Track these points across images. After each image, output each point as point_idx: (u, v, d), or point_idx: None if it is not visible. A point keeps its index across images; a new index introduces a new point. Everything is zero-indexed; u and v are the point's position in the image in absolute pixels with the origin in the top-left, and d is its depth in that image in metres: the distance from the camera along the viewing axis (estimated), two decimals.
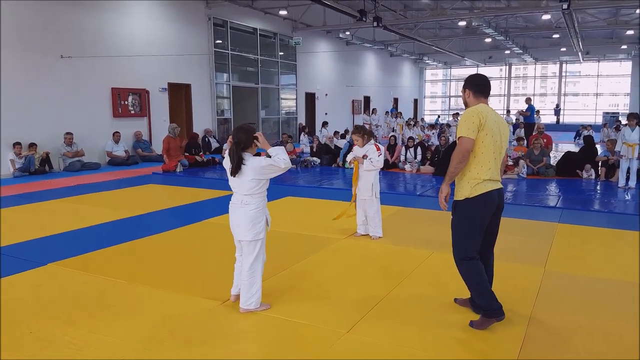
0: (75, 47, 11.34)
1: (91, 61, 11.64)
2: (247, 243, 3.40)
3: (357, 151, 5.53)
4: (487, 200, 3.18)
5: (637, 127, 8.70)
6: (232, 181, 3.41)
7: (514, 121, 21.02)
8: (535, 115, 17.32)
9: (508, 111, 25.97)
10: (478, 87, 3.30)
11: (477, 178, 3.16)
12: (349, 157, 5.63)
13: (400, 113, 21.48)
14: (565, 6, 13.71)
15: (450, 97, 35.07)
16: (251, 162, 3.32)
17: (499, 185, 3.26)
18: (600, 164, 9.92)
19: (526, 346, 3.00)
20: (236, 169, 3.31)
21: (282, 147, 3.41)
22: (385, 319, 3.43)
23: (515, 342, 3.04)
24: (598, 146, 11.47)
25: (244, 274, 3.43)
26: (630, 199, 7.90)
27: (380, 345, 3.05)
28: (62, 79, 11.19)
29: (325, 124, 17.61)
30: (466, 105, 3.33)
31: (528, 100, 16.51)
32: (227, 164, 3.41)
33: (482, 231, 3.23)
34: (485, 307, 3.19)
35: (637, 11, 17.67)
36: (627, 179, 8.86)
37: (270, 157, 3.33)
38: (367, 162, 5.38)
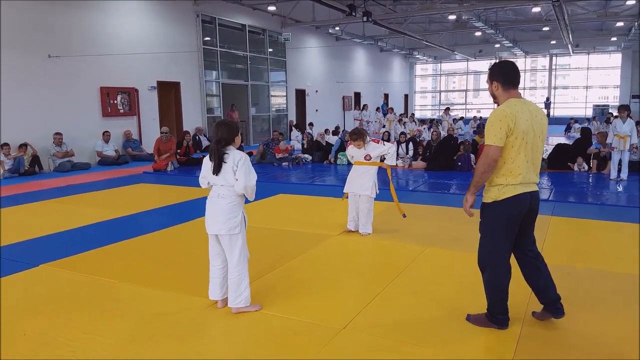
0: (63, 46, 11.19)
1: (79, 60, 11.51)
2: (226, 238, 3.34)
3: (355, 152, 5.45)
4: (517, 202, 2.93)
5: (628, 118, 8.74)
6: (208, 172, 3.38)
7: None
8: None
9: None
10: (507, 76, 2.98)
11: (505, 183, 2.93)
12: (352, 159, 5.55)
13: (392, 109, 21.46)
14: None
15: (440, 92, 35.10)
16: (233, 156, 3.29)
17: (534, 188, 3.00)
18: (592, 156, 9.95)
19: (522, 343, 2.98)
20: (217, 168, 3.29)
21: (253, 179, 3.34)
22: (380, 314, 3.40)
23: (511, 339, 3.01)
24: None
25: (231, 272, 3.38)
26: (623, 191, 7.94)
27: (376, 341, 3.02)
28: (50, 78, 11.04)
29: (311, 124, 17.53)
30: (494, 97, 3.04)
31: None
32: (206, 163, 3.40)
33: (511, 235, 3.00)
34: (493, 312, 3.09)
35: (627, 2, 17.75)
36: (619, 170, 8.90)
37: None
38: (390, 160, 5.43)
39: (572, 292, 3.74)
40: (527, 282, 3.21)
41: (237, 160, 3.29)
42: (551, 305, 3.14)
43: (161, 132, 11.35)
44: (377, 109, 23.82)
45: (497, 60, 3.13)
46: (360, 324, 3.24)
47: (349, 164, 5.87)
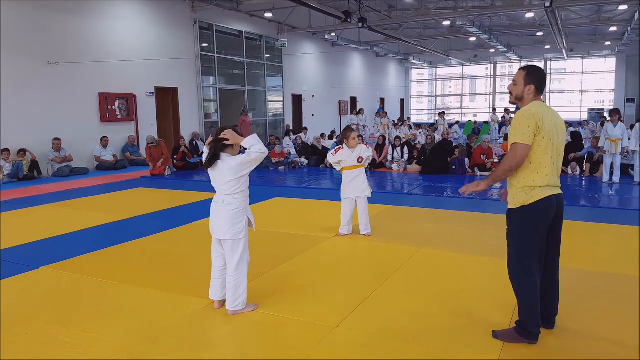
0: (61, 52, 11.30)
1: (78, 67, 11.62)
2: (229, 243, 3.41)
3: (346, 155, 5.46)
4: (546, 207, 2.89)
5: (620, 122, 8.88)
6: (214, 181, 3.44)
7: (500, 119, 21.27)
8: None
9: (494, 109, 26.20)
10: (542, 83, 2.98)
11: (532, 185, 2.88)
12: (338, 167, 5.55)
13: (386, 113, 21.59)
14: (548, 4, 13.92)
15: (436, 96, 35.30)
16: (229, 162, 3.35)
17: (558, 191, 2.97)
18: (585, 159, 10.06)
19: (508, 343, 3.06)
20: (210, 162, 3.36)
21: (254, 135, 3.40)
22: (374, 313, 3.50)
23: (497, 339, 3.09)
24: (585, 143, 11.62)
25: (230, 275, 3.44)
26: (615, 194, 8.06)
27: (369, 339, 3.12)
28: (49, 84, 11.15)
29: (305, 129, 17.64)
30: (519, 99, 3.02)
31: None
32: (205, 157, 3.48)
33: (541, 241, 2.94)
34: (525, 326, 2.97)
35: (620, 7, 17.97)
36: (611, 174, 9.03)
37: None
38: (366, 162, 5.50)
39: (564, 291, 3.85)
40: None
41: (235, 158, 3.34)
42: (545, 316, 3.12)
43: (148, 142, 11.27)
44: (377, 114, 23.94)
45: (531, 64, 3.09)
46: (352, 323, 3.34)
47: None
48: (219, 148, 3.37)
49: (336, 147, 5.66)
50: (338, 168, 5.61)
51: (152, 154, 11.10)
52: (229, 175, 3.34)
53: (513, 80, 3.05)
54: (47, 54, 11.05)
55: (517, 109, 3.09)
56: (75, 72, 11.61)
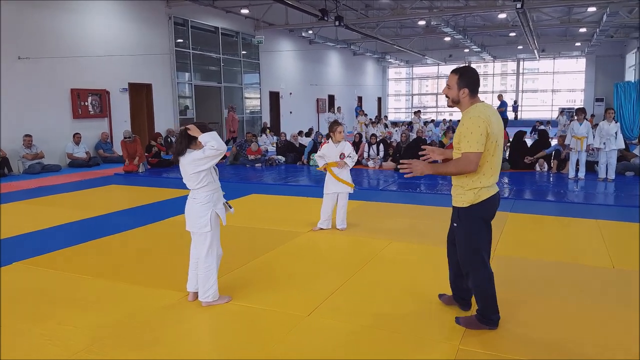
0: (33, 48, 11.11)
1: (49, 62, 11.43)
2: (196, 235, 3.55)
3: (330, 151, 5.55)
4: (493, 204, 3.05)
5: (585, 120, 9.18)
6: (184, 177, 3.52)
7: None
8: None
9: None
10: (475, 84, 3.01)
11: (479, 187, 2.99)
12: (322, 162, 5.60)
13: (362, 111, 21.78)
14: (519, 5, 14.23)
15: (412, 95, 35.69)
16: (188, 156, 3.41)
17: (498, 189, 3.10)
18: (552, 156, 10.38)
19: (469, 330, 3.20)
20: (176, 156, 3.47)
21: (214, 133, 3.41)
22: (344, 302, 3.61)
23: (460, 325, 3.21)
24: (553, 141, 11.94)
25: (200, 267, 3.53)
26: (579, 190, 8.34)
27: (339, 326, 3.23)
28: (20, 80, 10.94)
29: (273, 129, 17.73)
30: (456, 103, 3.04)
31: (500, 97, 17.02)
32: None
33: (488, 236, 3.11)
34: (486, 314, 3.10)
35: (589, 9, 18.48)
36: (577, 170, 9.33)
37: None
38: (349, 161, 5.56)
39: (521, 278, 4.02)
40: (450, 269, 3.36)
41: (199, 151, 3.36)
42: (462, 296, 3.35)
43: (124, 137, 11.17)
44: (365, 113, 23.99)
45: (463, 66, 3.16)
46: (324, 311, 3.44)
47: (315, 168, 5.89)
48: (184, 143, 3.43)
49: (323, 141, 5.73)
50: (321, 164, 5.64)
51: (128, 150, 11.00)
52: (189, 170, 3.42)
53: (447, 84, 3.07)
54: (17, 49, 10.84)
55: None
56: (47, 68, 11.42)
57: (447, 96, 3.09)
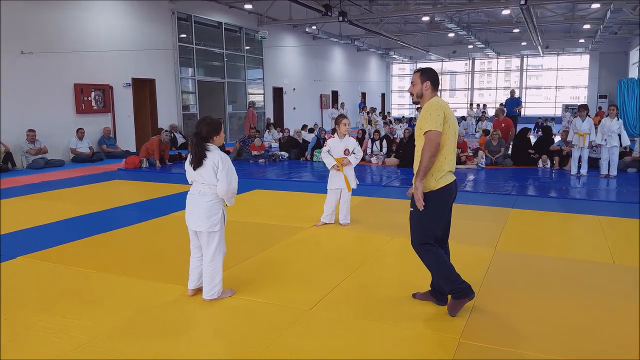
0: (36, 43, 11.14)
1: (53, 57, 11.46)
2: (205, 235, 3.45)
3: (335, 145, 5.56)
4: (451, 190, 3.25)
5: (587, 117, 9.17)
6: (191, 172, 3.45)
7: (479, 115, 21.61)
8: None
9: (471, 105, 26.59)
10: (436, 80, 3.32)
11: (441, 170, 3.18)
12: (329, 160, 5.57)
13: (365, 107, 21.75)
14: (523, 1, 14.20)
15: None
16: (213, 156, 3.35)
17: (454, 177, 3.31)
18: (554, 153, 10.38)
19: (471, 321, 3.24)
20: (199, 162, 3.35)
21: (234, 190, 3.43)
22: (346, 297, 3.64)
23: (460, 319, 3.24)
24: (557, 137, 11.93)
25: (205, 266, 3.50)
26: (581, 186, 8.34)
27: (340, 319, 3.26)
28: (23, 75, 10.98)
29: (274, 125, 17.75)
30: (419, 97, 3.30)
31: (513, 93, 16.75)
32: (188, 160, 3.46)
33: (443, 222, 3.30)
34: (453, 289, 3.21)
35: (592, 6, 18.40)
36: (579, 167, 9.32)
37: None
38: (353, 158, 5.57)
39: (524, 274, 4.04)
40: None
41: (217, 161, 3.34)
42: (439, 292, 3.40)
43: (165, 132, 11.47)
44: (373, 109, 23.93)
45: (423, 66, 3.48)
46: (326, 305, 3.47)
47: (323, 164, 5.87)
48: (199, 140, 3.35)
49: (328, 135, 5.75)
50: (328, 161, 5.60)
51: (161, 149, 11.23)
52: (209, 165, 3.35)
53: (411, 83, 3.35)
54: (21, 44, 10.87)
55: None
56: (50, 63, 11.46)
57: (411, 93, 3.35)
